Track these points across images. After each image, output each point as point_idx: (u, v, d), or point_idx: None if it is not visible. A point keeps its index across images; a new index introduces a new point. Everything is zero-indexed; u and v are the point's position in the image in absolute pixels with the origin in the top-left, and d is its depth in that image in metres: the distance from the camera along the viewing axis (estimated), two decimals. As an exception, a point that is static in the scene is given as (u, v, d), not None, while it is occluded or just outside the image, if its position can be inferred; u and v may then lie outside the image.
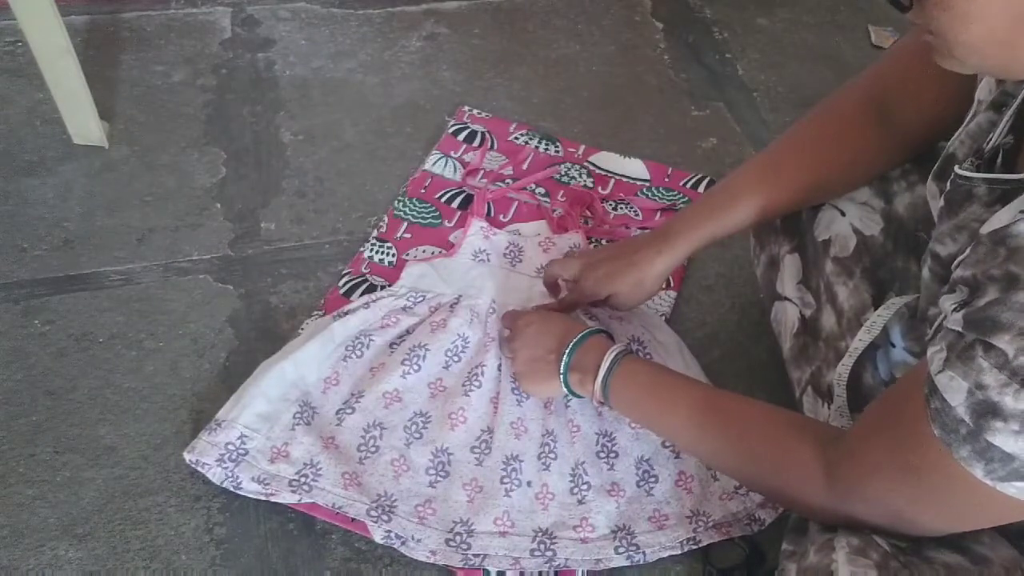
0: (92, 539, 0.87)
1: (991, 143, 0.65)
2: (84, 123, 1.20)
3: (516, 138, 1.29)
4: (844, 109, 0.83)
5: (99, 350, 1.01)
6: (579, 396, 0.89)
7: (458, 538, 0.85)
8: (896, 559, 0.62)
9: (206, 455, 0.88)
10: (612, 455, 0.91)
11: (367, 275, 1.09)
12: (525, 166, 1.25)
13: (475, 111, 1.32)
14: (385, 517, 0.85)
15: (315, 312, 1.05)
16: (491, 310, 1.02)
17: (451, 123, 1.30)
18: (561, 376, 0.87)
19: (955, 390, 0.53)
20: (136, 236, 1.13)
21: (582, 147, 1.28)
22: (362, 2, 1.49)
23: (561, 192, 1.21)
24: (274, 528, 0.88)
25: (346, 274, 1.09)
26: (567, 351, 0.86)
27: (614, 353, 0.83)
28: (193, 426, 0.94)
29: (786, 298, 0.91)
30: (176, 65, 1.36)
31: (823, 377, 0.84)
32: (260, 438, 0.89)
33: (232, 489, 0.88)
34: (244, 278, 1.10)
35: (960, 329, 0.54)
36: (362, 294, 1.06)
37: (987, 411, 0.51)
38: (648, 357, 0.99)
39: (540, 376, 0.90)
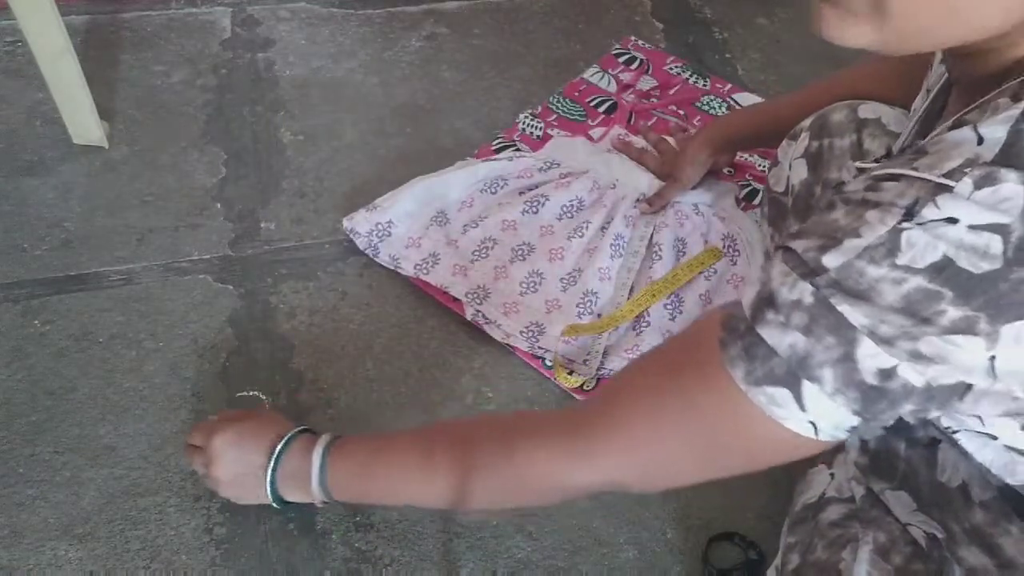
0: (92, 539, 0.87)
1: (899, 147, 0.66)
2: (84, 123, 1.20)
3: (671, 68, 1.41)
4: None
5: (99, 350, 1.01)
6: (289, 504, 0.83)
7: (531, 332, 1.04)
8: (922, 562, 0.61)
9: (361, 225, 1.11)
10: (678, 311, 1.07)
11: (516, 141, 1.27)
12: (672, 92, 1.37)
13: (639, 41, 1.45)
14: (478, 300, 1.06)
15: (468, 157, 1.22)
16: (612, 185, 1.17)
17: (616, 46, 1.44)
18: (268, 491, 0.80)
19: (750, 287, 0.52)
20: (136, 236, 1.13)
21: (728, 85, 1.38)
22: (362, 2, 1.49)
23: (698, 117, 1.32)
24: (274, 528, 0.88)
25: (500, 137, 1.27)
26: (271, 465, 0.79)
27: (323, 444, 0.77)
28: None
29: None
30: (176, 65, 1.36)
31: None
32: (403, 227, 1.12)
33: (369, 255, 1.10)
34: (244, 278, 1.10)
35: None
36: None
37: (764, 303, 0.50)
38: (736, 255, 1.12)
39: (250, 491, 0.82)
